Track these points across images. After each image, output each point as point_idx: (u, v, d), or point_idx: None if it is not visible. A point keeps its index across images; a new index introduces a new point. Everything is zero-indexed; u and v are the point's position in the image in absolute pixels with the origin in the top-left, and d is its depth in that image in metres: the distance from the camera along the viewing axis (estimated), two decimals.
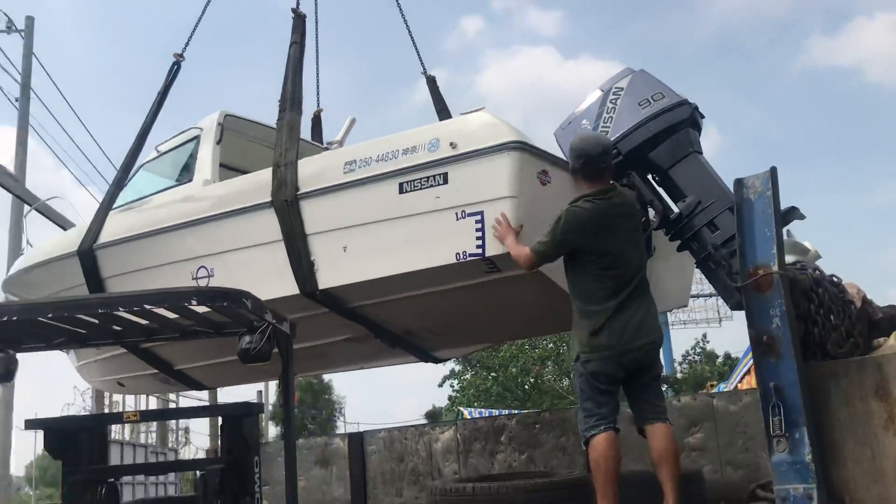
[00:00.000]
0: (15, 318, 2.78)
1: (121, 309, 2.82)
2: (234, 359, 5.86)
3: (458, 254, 4.42)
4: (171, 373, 6.75)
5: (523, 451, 7.25)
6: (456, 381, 30.11)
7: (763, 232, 3.60)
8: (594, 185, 4.17)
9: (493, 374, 28.51)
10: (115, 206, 6.13)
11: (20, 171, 15.98)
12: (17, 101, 17.14)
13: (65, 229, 9.64)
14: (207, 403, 13.45)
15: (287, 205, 4.95)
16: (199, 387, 7.51)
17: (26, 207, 11.35)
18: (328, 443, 8.60)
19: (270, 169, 5.21)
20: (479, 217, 4.36)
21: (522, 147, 4.35)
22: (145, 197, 6.21)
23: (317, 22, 7.17)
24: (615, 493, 3.97)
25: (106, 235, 5.99)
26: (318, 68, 7.76)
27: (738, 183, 3.79)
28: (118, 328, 3.23)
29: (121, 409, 16.33)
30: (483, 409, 24.13)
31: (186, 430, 25.75)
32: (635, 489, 4.39)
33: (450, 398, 30.68)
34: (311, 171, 5.09)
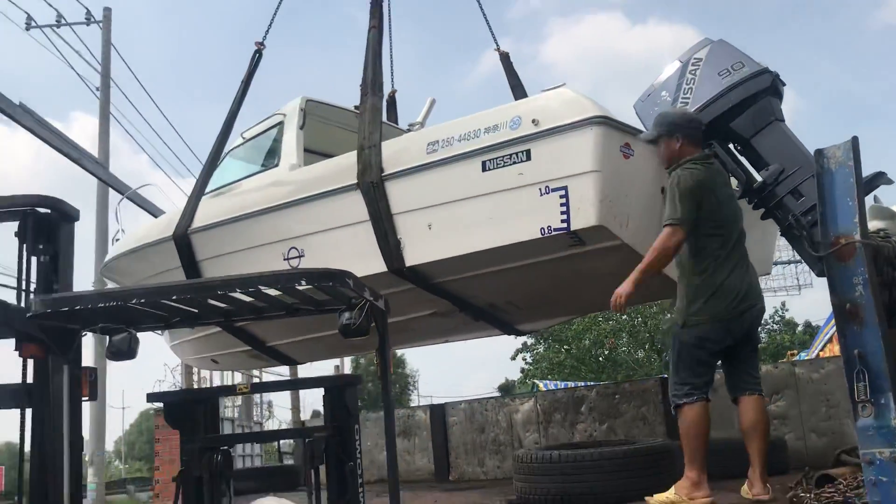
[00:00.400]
0: (143, 301, 3.07)
1: (237, 290, 3.08)
2: (323, 334, 6.15)
3: (542, 228, 4.52)
4: (264, 349, 7.05)
5: (603, 421, 7.38)
6: (528, 355, 30.19)
7: (844, 201, 3.62)
8: (696, 151, 4.28)
9: (565, 346, 28.49)
10: (206, 191, 6.43)
11: (104, 158, 16.56)
12: (97, 90, 17.75)
13: (154, 216, 10.10)
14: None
15: (373, 186, 5.13)
16: (290, 362, 7.82)
17: (118, 196, 11.87)
18: (410, 414, 8.89)
19: (355, 152, 5.39)
20: (563, 192, 4.44)
21: (605, 121, 4.42)
22: (234, 182, 6.48)
23: (389, 5, 7.35)
24: (703, 461, 4.10)
25: (199, 220, 6.27)
26: (391, 50, 7.94)
27: (819, 153, 3.81)
28: (229, 307, 3.49)
29: (209, 385, 17.04)
30: (557, 382, 24.21)
31: (269, 405, 26.64)
32: (719, 456, 4.51)
33: (522, 371, 30.83)
34: (395, 152, 5.25)
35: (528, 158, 4.58)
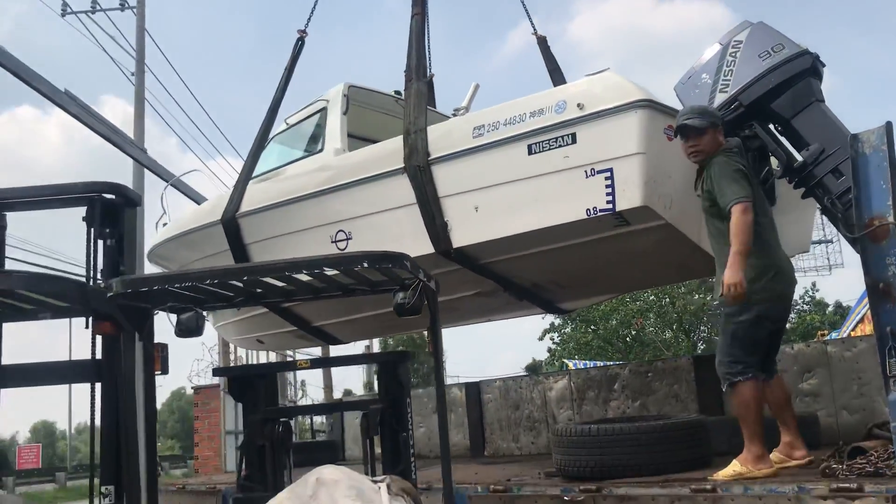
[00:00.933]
0: (215, 282, 3.29)
1: (303, 272, 3.29)
2: (366, 315, 6.34)
3: (588, 209, 4.67)
4: (309, 329, 7.26)
5: (636, 399, 7.53)
6: (556, 335, 30.33)
7: (878, 185, 3.76)
8: (722, 143, 4.43)
9: (592, 326, 28.56)
10: (252, 176, 6.61)
11: (139, 140, 16.71)
12: (132, 75, 17.98)
13: (197, 203, 10.32)
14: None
15: (420, 170, 5.28)
16: (335, 341, 8.02)
17: (155, 181, 12.14)
18: (446, 392, 9.08)
19: (400, 137, 5.54)
20: (608, 174, 4.58)
21: (650, 105, 4.56)
22: (279, 167, 6.66)
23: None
24: (762, 435, 4.26)
25: (246, 205, 6.45)
26: (428, 34, 8.06)
27: (854, 138, 3.94)
28: (291, 288, 3.70)
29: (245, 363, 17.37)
30: (586, 362, 24.34)
31: (303, 384, 27.05)
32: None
33: (549, 351, 30.98)
34: (441, 136, 5.39)
35: (574, 142, 4.70)
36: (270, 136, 6.84)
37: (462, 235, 5.25)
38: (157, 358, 3.79)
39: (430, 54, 7.92)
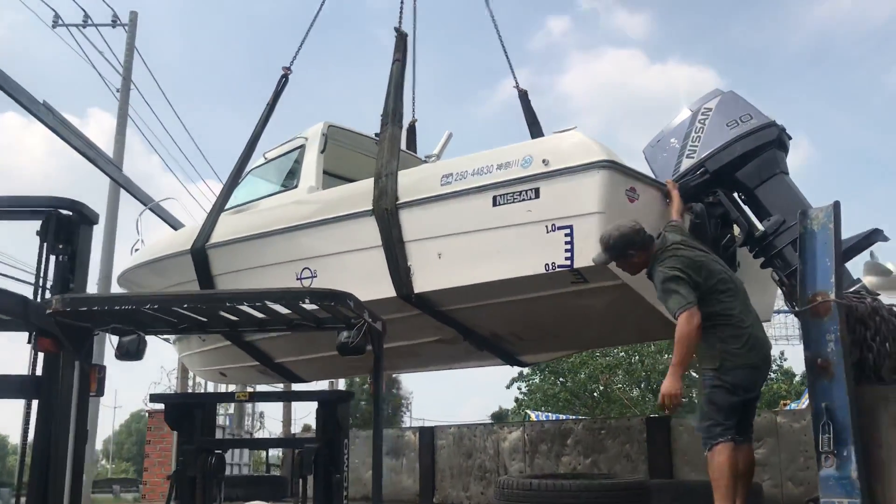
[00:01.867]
0: (156, 307, 3.27)
1: (245, 303, 3.28)
2: (328, 354, 6.31)
3: (547, 265, 4.67)
4: (271, 365, 7.20)
5: (588, 455, 7.52)
6: (524, 384, 30.19)
7: (824, 261, 3.83)
8: (652, 247, 4.38)
9: (561, 379, 28.47)
10: (226, 208, 6.58)
11: (118, 158, 16.62)
12: (118, 91, 17.97)
13: (175, 228, 10.28)
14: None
15: (387, 213, 5.29)
16: (296, 379, 7.93)
17: (130, 197, 12.08)
18: (399, 435, 9.02)
19: (371, 179, 5.56)
20: (568, 231, 4.60)
21: (612, 166, 4.59)
22: (254, 201, 6.66)
23: (415, 38, 7.58)
24: (734, 498, 4.18)
25: (217, 236, 6.42)
26: (414, 79, 8.16)
27: (803, 214, 4.02)
28: (235, 318, 3.69)
29: (204, 391, 17.16)
30: (550, 414, 24.22)
31: (261, 415, 26.75)
32: (696, 497, 4.66)
33: (517, 400, 30.82)
34: (411, 182, 5.41)
35: (537, 196, 4.74)
36: (248, 169, 6.86)
37: (424, 281, 5.22)
38: (94, 379, 3.75)
39: (414, 99, 8.12)
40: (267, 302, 3.24)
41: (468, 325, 5.90)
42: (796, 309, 3.98)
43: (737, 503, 4.32)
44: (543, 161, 4.75)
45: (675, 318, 4.13)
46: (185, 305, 3.32)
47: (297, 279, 5.78)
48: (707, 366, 4.22)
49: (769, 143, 4.71)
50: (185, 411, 4.08)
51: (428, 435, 8.70)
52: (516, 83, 7.46)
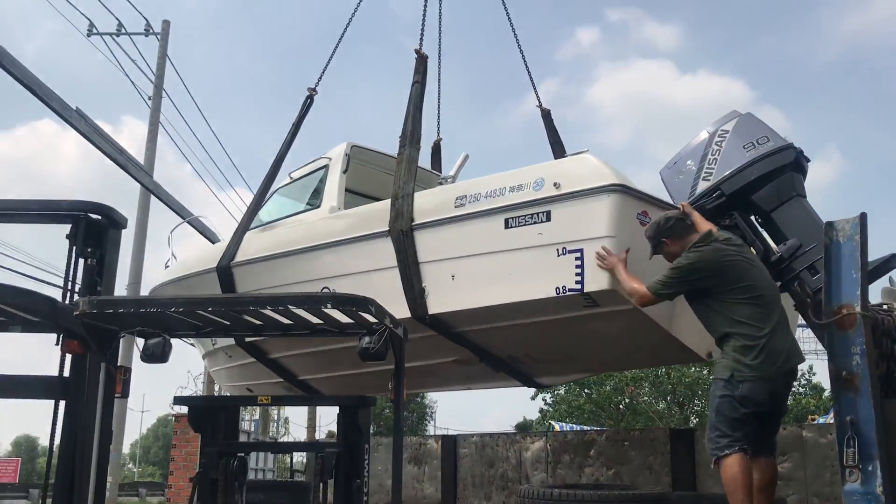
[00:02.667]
0: (181, 310, 3.32)
1: (268, 307, 3.32)
2: (350, 372, 6.36)
3: (558, 288, 4.69)
4: (295, 382, 7.29)
5: (611, 467, 7.45)
6: (549, 395, 30.05)
7: (849, 273, 3.79)
8: (691, 238, 4.39)
9: (586, 390, 28.31)
10: (251, 226, 6.69)
11: (149, 164, 16.86)
12: (149, 99, 18.23)
13: (212, 242, 10.42)
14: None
15: (403, 234, 5.34)
16: (317, 393, 8.00)
17: (159, 202, 12.22)
18: (422, 443, 9.01)
19: (388, 201, 5.61)
20: (578, 254, 4.62)
21: (623, 190, 4.61)
22: (278, 220, 6.76)
23: (439, 58, 7.62)
24: None
25: (242, 254, 6.52)
26: (439, 100, 8.19)
27: (829, 225, 3.98)
28: (259, 322, 3.74)
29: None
30: (574, 425, 24.09)
31: (286, 421, 26.89)
32: None
33: (541, 411, 30.69)
34: (426, 203, 5.45)
35: (549, 219, 4.75)
36: (273, 188, 6.96)
37: (438, 303, 5.25)
38: (119, 381, 3.81)
39: (439, 118, 8.16)
40: (290, 306, 3.28)
41: (483, 347, 5.92)
42: (820, 322, 3.93)
43: None
44: (555, 184, 4.77)
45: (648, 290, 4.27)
46: (210, 308, 3.37)
47: None
48: (718, 375, 4.20)
49: (786, 165, 4.66)
50: (208, 414, 4.14)
51: (450, 443, 8.68)
52: (539, 102, 7.44)
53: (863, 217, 3.88)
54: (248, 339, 6.54)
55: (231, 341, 6.70)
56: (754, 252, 4.73)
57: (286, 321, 3.75)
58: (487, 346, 5.88)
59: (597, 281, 4.54)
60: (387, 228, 5.48)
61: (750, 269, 4.33)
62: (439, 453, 8.68)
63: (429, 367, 6.21)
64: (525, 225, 4.84)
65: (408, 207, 5.42)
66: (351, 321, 3.72)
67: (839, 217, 4.28)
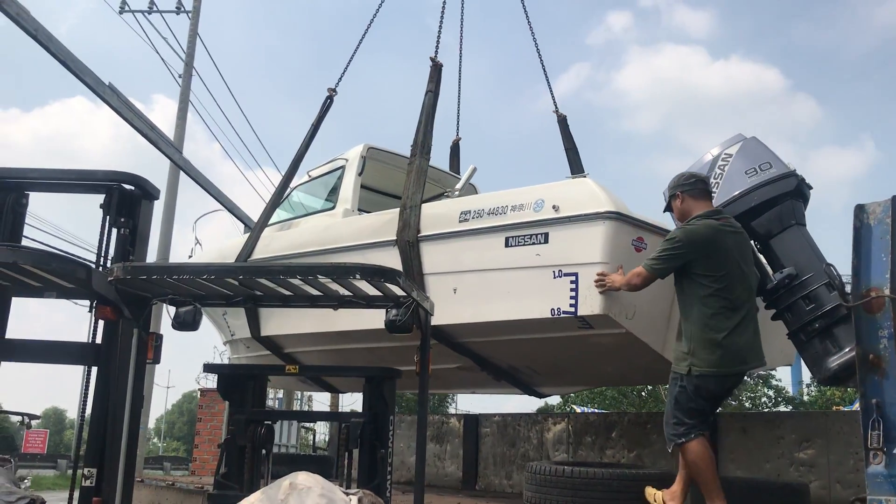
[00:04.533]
0: (212, 278, 3.38)
1: (297, 276, 3.37)
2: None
3: (553, 309, 4.76)
4: (311, 377, 7.45)
5: (632, 449, 7.45)
6: None
7: (879, 256, 3.75)
8: (703, 205, 4.39)
9: None
10: (269, 223, 6.78)
11: (178, 141, 17.05)
12: (180, 77, 18.38)
13: (248, 226, 10.52)
14: None
15: (409, 245, 5.42)
16: (333, 390, 8.16)
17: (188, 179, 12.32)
18: (445, 421, 9.08)
19: (397, 210, 5.68)
20: (573, 278, 4.69)
21: (618, 217, 4.66)
22: (294, 218, 6.89)
23: (460, 66, 7.62)
24: (720, 489, 4.17)
25: (259, 252, 6.60)
26: (459, 101, 8.21)
27: (860, 207, 3.95)
28: (288, 293, 3.79)
29: None
30: (596, 410, 24.07)
31: (310, 398, 27.07)
32: (738, 494, 4.61)
33: (563, 396, 30.65)
34: (433, 215, 5.53)
35: (546, 241, 4.83)
36: (292, 186, 7.05)
37: (440, 314, 5.19)
38: (151, 347, 3.89)
39: (459, 118, 8.21)
40: (319, 276, 3.32)
41: (485, 357, 6.00)
42: (848, 304, 3.91)
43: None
44: (554, 207, 4.84)
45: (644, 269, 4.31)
46: (241, 276, 3.43)
47: None
48: (676, 370, 4.25)
49: (787, 193, 4.65)
50: (237, 382, 4.22)
51: (472, 422, 8.73)
52: (556, 108, 7.40)
53: (894, 200, 3.84)
54: (263, 335, 6.67)
55: (248, 333, 6.82)
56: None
57: (315, 292, 3.80)
58: (488, 356, 5.98)
59: (590, 305, 4.63)
60: (394, 238, 5.56)
61: (735, 259, 4.30)
62: (461, 432, 8.74)
63: (433, 372, 6.30)
64: (524, 245, 4.92)
65: (415, 218, 5.50)
66: (378, 293, 3.76)
67: None
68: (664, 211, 4.61)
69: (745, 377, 4.46)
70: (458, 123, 8.24)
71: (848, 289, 3.85)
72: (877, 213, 3.86)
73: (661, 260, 4.28)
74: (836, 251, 4.77)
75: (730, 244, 4.28)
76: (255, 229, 6.77)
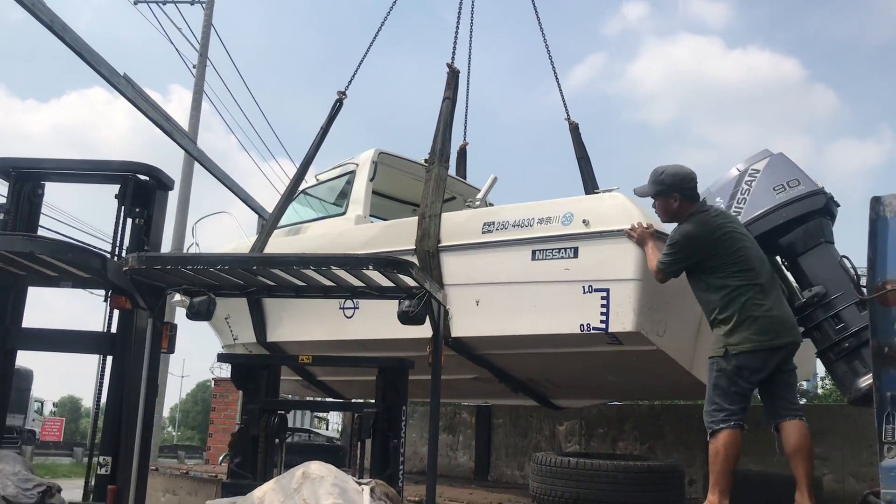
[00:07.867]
0: (226, 268, 3.40)
1: (311, 267, 3.39)
2: (364, 379, 6.40)
3: (582, 325, 4.69)
4: (314, 382, 7.48)
5: (645, 441, 7.43)
6: None
7: (895, 249, 3.73)
8: (693, 205, 4.38)
9: None
10: (278, 226, 6.67)
11: (193, 132, 17.09)
12: (194, 68, 18.42)
13: (264, 219, 10.46)
14: None
15: (429, 255, 5.32)
16: (336, 395, 8.12)
17: (202, 170, 12.38)
18: (457, 411, 9.08)
19: (413, 218, 5.61)
20: (605, 294, 4.61)
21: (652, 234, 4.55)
22: (303, 223, 6.80)
23: (469, 69, 7.53)
24: (728, 486, 4.14)
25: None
26: (467, 106, 8.11)
27: (876, 200, 3.92)
28: (302, 284, 3.81)
29: None
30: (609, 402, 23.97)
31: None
32: (754, 488, 4.60)
33: None
34: (454, 226, 5.43)
35: (576, 256, 4.74)
36: (300, 189, 6.96)
37: (461, 326, 5.25)
38: (166, 336, 3.92)
39: (466, 123, 8.15)
40: (333, 267, 3.34)
41: (504, 369, 5.93)
42: (863, 297, 3.89)
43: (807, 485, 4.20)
44: (584, 221, 4.75)
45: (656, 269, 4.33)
46: (255, 267, 3.45)
47: (340, 308, 5.83)
48: (714, 353, 4.22)
49: (815, 211, 4.63)
50: (250, 372, 4.24)
51: (485, 413, 8.74)
52: (567, 115, 7.29)
53: None
54: (269, 341, 6.59)
55: (252, 339, 6.75)
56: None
57: (328, 283, 3.81)
58: (508, 369, 5.91)
59: (622, 322, 4.55)
60: (412, 247, 5.44)
61: (742, 239, 4.32)
62: (473, 423, 8.74)
63: (448, 382, 6.22)
64: (552, 259, 4.84)
65: (435, 228, 5.40)
66: (391, 284, 3.77)
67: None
68: (650, 197, 4.53)
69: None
70: (465, 129, 8.21)
71: (863, 282, 3.83)
72: (893, 205, 3.82)
73: (670, 262, 4.30)
74: (852, 244, 4.74)
75: (729, 227, 4.31)
76: (264, 232, 6.69)
